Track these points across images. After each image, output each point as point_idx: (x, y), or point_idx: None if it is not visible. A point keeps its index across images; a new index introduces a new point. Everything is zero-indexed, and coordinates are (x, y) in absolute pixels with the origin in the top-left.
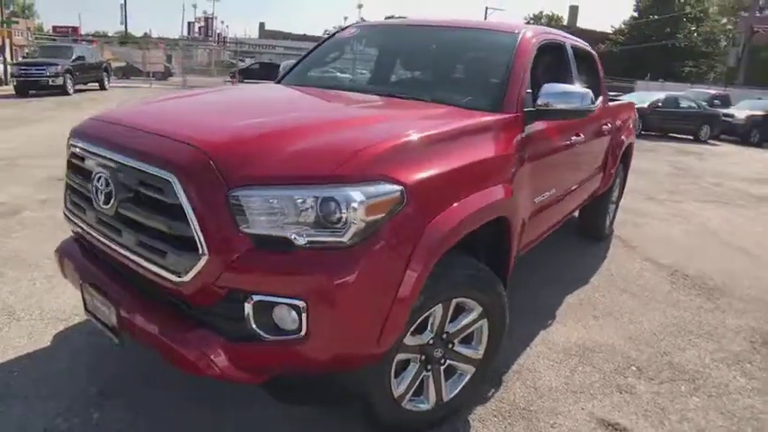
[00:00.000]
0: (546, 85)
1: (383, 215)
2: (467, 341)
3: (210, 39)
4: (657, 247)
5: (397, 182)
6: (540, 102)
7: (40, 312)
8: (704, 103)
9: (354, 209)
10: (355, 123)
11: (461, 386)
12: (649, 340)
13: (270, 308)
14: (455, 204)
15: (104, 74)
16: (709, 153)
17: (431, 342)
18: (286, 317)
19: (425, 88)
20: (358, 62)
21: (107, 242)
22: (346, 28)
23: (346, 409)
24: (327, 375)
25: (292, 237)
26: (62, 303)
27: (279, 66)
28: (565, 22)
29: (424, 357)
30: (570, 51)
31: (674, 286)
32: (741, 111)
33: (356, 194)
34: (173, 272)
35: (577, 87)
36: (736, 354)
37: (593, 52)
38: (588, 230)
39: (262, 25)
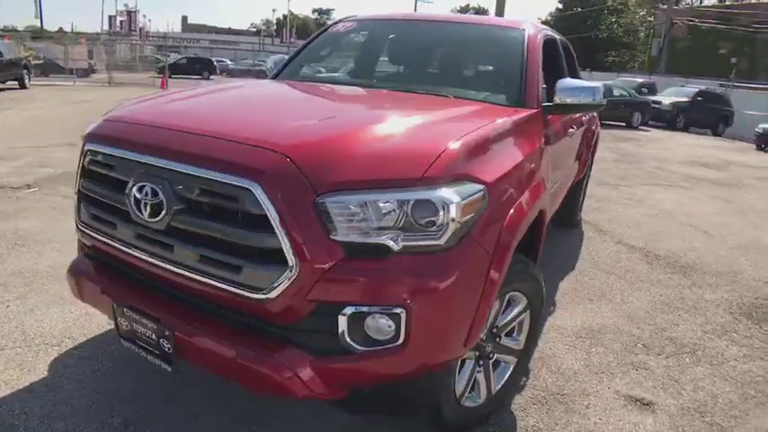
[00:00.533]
0: (560, 81)
1: (473, 215)
2: (510, 333)
3: (134, 33)
4: (625, 230)
5: (480, 181)
6: (557, 97)
7: (24, 338)
8: (633, 92)
9: (451, 211)
10: (416, 123)
11: (506, 377)
12: (645, 318)
13: (363, 318)
14: (520, 201)
15: (24, 71)
16: (644, 139)
17: (483, 338)
18: (381, 326)
19: (446, 85)
20: (364, 57)
21: (152, 260)
22: (339, 22)
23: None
24: (405, 382)
25: (388, 242)
26: (47, 326)
27: (208, 60)
28: (492, 13)
29: (477, 353)
30: (560, 45)
31: (651, 266)
32: (667, 98)
33: (453, 196)
34: (252, 288)
35: (590, 82)
36: (721, 325)
37: (569, 44)
38: (564, 217)
39: (184, 19)
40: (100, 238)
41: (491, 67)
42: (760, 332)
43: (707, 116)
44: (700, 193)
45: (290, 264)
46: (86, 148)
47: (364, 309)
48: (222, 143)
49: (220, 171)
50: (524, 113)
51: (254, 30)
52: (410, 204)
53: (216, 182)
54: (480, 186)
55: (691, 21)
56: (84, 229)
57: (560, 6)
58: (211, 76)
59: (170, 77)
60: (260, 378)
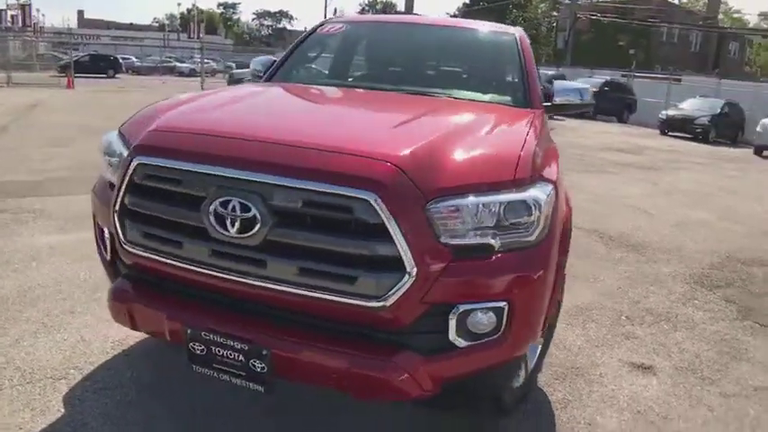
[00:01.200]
0: (557, 82)
1: (551, 212)
2: None
3: (28, 29)
4: (574, 215)
5: (549, 180)
6: (556, 98)
7: (22, 375)
8: (546, 83)
9: (542, 209)
10: (481, 128)
11: (536, 356)
12: (619, 294)
13: (467, 315)
14: (562, 195)
15: None
16: (560, 127)
17: None
18: (482, 320)
19: (457, 87)
20: (366, 60)
21: (233, 277)
22: (324, 24)
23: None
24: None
25: (491, 242)
26: (43, 358)
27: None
28: (401, 8)
29: None
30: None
31: (608, 247)
32: None
33: (541, 195)
34: (367, 297)
35: (579, 83)
36: (683, 294)
37: None
38: None
39: (81, 13)
40: (156, 258)
41: (494, 70)
42: (715, 297)
43: (613, 104)
44: (628, 177)
45: (408, 270)
46: (136, 161)
47: (472, 306)
48: (328, 155)
49: (333, 183)
50: (537, 113)
51: (158, 25)
52: (506, 205)
53: (327, 194)
54: (551, 185)
55: (593, 15)
56: (133, 250)
57: (467, 1)
58: (117, 75)
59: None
60: (375, 383)
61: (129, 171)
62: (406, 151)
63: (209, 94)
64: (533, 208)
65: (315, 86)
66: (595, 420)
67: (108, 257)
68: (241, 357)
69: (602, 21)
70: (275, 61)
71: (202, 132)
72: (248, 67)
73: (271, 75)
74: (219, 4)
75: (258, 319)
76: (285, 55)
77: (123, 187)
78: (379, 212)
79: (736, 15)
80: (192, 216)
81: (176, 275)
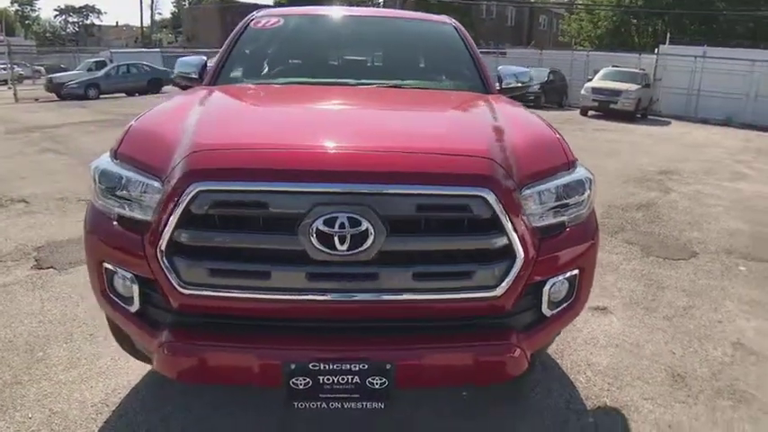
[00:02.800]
0: (501, 67)
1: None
2: None
3: None
4: None
5: (576, 160)
6: (505, 82)
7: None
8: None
9: (591, 185)
10: (509, 117)
11: None
12: None
13: (551, 287)
14: None
15: None
16: None
17: None
18: (561, 290)
19: (422, 78)
20: (320, 54)
21: (335, 297)
22: (256, 18)
23: None
24: None
25: (564, 219)
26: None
27: None
28: None
29: None
30: None
31: None
32: None
33: (588, 173)
34: (484, 288)
35: (522, 67)
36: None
37: None
38: None
39: None
40: (230, 295)
41: (449, 59)
42: (618, 242)
43: (556, 92)
44: None
45: (519, 256)
46: (195, 189)
47: (557, 278)
48: (434, 158)
49: (448, 185)
50: (501, 97)
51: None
52: (567, 185)
53: (442, 195)
54: (579, 164)
55: None
56: (195, 292)
57: None
58: None
59: None
60: (496, 368)
61: (184, 201)
62: (493, 146)
63: (196, 104)
64: (586, 185)
65: (295, 86)
66: (591, 360)
67: (136, 307)
68: (356, 379)
69: (428, 0)
70: (206, 62)
71: (277, 148)
72: (66, 70)
73: (215, 76)
74: (13, 2)
75: (367, 336)
76: (224, 55)
77: (175, 221)
78: (493, 206)
79: None
80: (285, 240)
81: (254, 309)
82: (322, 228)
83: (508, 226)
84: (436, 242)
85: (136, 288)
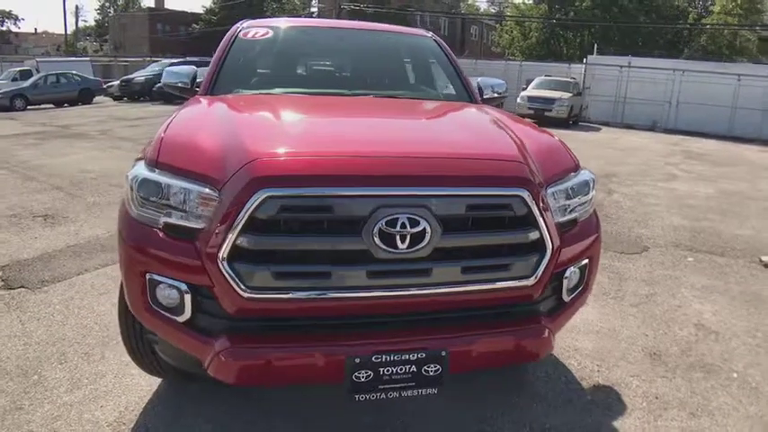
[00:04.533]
0: (480, 79)
1: None
2: None
3: None
4: None
5: None
6: (486, 93)
7: None
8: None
9: (594, 185)
10: (511, 124)
11: None
12: None
13: (569, 275)
14: None
15: None
16: None
17: None
18: (575, 277)
19: (415, 87)
20: (307, 64)
21: (389, 293)
22: (244, 29)
23: None
24: None
25: (576, 215)
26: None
27: None
28: (152, 4)
29: None
30: None
31: None
32: None
33: (591, 174)
34: (522, 278)
35: (497, 79)
36: None
37: None
38: None
39: None
40: (294, 296)
41: (434, 71)
42: None
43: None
44: None
45: (548, 248)
46: (263, 195)
47: (574, 267)
48: (481, 163)
49: (493, 186)
50: (485, 106)
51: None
52: (577, 185)
53: (488, 196)
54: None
55: (356, 5)
56: (260, 295)
57: None
58: None
59: None
60: (532, 349)
61: (251, 207)
62: (521, 152)
63: (219, 113)
64: (591, 185)
65: (305, 96)
66: (578, 346)
67: (187, 316)
68: (413, 368)
69: (365, 11)
70: (197, 72)
71: (337, 155)
72: None
73: (211, 86)
74: None
75: (422, 327)
76: (217, 65)
77: (239, 227)
78: (529, 204)
79: (470, 2)
80: (350, 241)
81: (317, 309)
82: (385, 228)
83: (540, 221)
84: (482, 238)
85: (188, 297)
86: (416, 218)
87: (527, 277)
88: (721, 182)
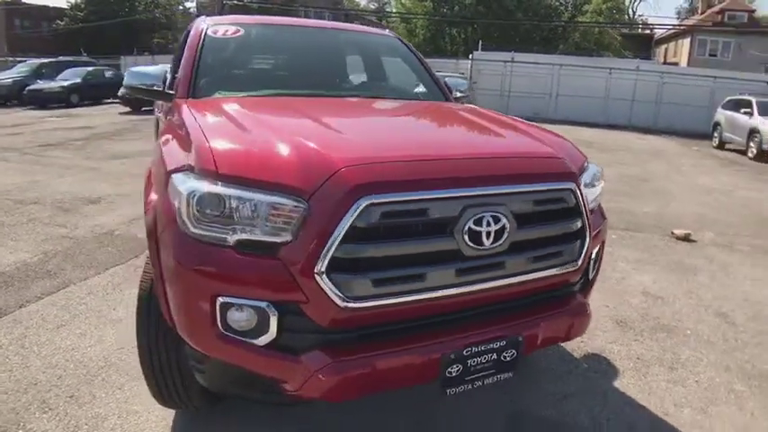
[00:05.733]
0: (447, 78)
1: None
2: None
3: None
4: None
5: None
6: (455, 91)
7: None
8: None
9: (602, 177)
10: (515, 123)
11: None
12: None
13: (594, 256)
14: None
15: None
16: None
17: None
18: (595, 257)
19: (399, 87)
20: (285, 65)
21: (470, 288)
22: (212, 26)
23: None
24: None
25: (594, 205)
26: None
27: None
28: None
29: None
30: None
31: None
32: None
33: (600, 167)
34: (569, 263)
35: (459, 78)
36: None
37: None
38: None
39: None
40: (391, 301)
41: (409, 70)
42: None
43: None
44: None
45: (588, 234)
46: (365, 202)
47: (596, 248)
48: (541, 161)
49: (552, 181)
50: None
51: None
52: (594, 176)
53: (549, 191)
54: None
55: (240, 1)
56: (360, 305)
57: None
58: None
59: None
60: (582, 325)
61: (352, 216)
62: (560, 149)
63: (252, 118)
64: (599, 175)
65: (305, 98)
66: None
67: (270, 337)
68: (494, 356)
69: (251, 6)
70: (166, 72)
71: (424, 159)
72: None
73: (191, 88)
74: None
75: (500, 316)
76: (191, 65)
77: (340, 237)
78: (577, 196)
79: None
80: (443, 241)
81: (411, 311)
82: (473, 227)
83: (582, 210)
84: (544, 229)
85: (273, 316)
86: (498, 215)
87: (575, 261)
88: (617, 167)
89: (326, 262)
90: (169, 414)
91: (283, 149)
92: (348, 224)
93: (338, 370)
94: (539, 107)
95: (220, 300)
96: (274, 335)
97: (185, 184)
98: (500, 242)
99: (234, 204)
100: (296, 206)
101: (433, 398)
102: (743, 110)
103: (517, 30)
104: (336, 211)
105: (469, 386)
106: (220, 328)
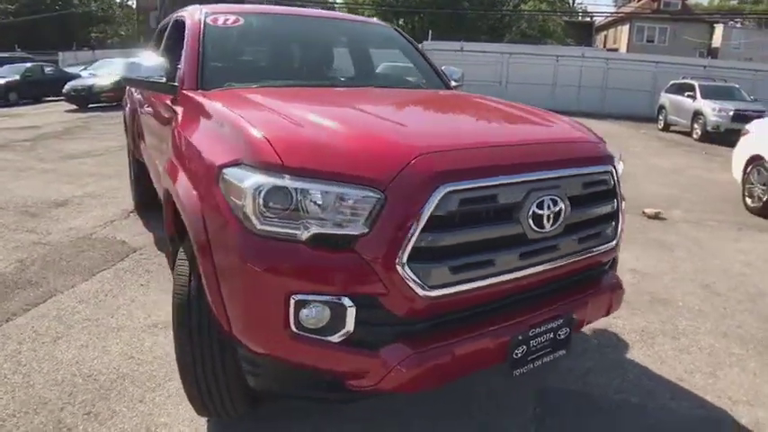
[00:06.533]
0: (444, 67)
1: None
2: None
3: None
4: None
5: None
6: (452, 80)
7: None
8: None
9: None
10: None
11: None
12: None
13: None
14: None
15: None
16: None
17: None
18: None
19: (406, 77)
20: (291, 55)
21: (530, 270)
22: (211, 14)
23: None
24: None
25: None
26: None
27: None
28: None
29: None
30: None
31: None
32: None
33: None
34: (608, 241)
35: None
36: None
37: None
38: None
39: None
40: (466, 288)
41: (411, 60)
42: None
43: None
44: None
45: (620, 214)
46: (444, 191)
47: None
48: (586, 145)
49: (597, 165)
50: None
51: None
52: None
53: (594, 173)
54: None
55: None
56: (438, 293)
57: None
58: None
59: None
60: (618, 301)
61: (432, 204)
62: (593, 134)
63: (298, 110)
64: (620, 158)
65: (329, 89)
66: None
67: (345, 333)
68: (551, 335)
69: None
70: (166, 62)
71: (492, 146)
72: None
73: (198, 80)
74: None
75: (555, 296)
76: (194, 56)
77: (420, 226)
78: (614, 178)
79: None
80: (510, 226)
81: (482, 296)
82: (536, 210)
83: (618, 191)
84: (591, 211)
85: (350, 311)
86: (556, 198)
87: (612, 240)
88: None
89: (408, 252)
90: (200, 423)
91: (349, 140)
92: (428, 212)
93: (420, 361)
94: (490, 95)
95: (295, 298)
96: (351, 330)
97: (249, 179)
98: (557, 225)
99: (304, 198)
100: (372, 197)
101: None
102: (686, 93)
103: (464, 19)
104: (416, 200)
105: (531, 366)
106: (293, 327)
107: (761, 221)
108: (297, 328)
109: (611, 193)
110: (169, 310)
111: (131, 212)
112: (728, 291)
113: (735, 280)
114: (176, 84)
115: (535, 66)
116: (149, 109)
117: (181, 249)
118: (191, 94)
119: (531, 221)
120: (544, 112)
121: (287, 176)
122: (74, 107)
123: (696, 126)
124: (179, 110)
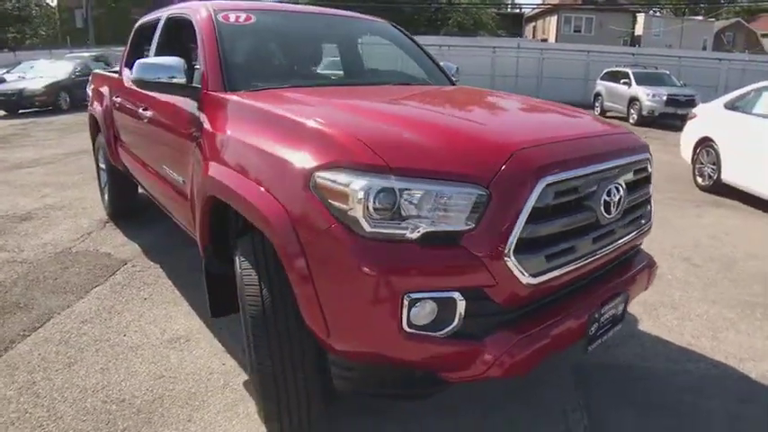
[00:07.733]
0: (443, 63)
1: None
2: None
3: None
4: None
5: None
6: (452, 76)
7: None
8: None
9: None
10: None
11: None
12: None
13: None
14: None
15: None
16: None
17: None
18: None
19: (415, 74)
20: (311, 54)
21: (601, 255)
22: (222, 11)
23: None
24: None
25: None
26: None
27: None
28: None
29: None
30: None
31: None
32: None
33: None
34: (645, 223)
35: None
36: None
37: None
38: None
39: None
40: (555, 274)
41: (415, 57)
42: None
43: None
44: None
45: (652, 198)
46: (543, 183)
47: None
48: (625, 136)
49: (640, 153)
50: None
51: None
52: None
53: (640, 161)
54: None
55: None
56: (535, 281)
57: None
58: None
59: None
60: (653, 279)
61: (534, 197)
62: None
63: (366, 108)
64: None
65: (367, 87)
66: None
67: (454, 327)
68: (613, 311)
69: None
70: (184, 62)
71: (556, 141)
72: None
73: (222, 80)
74: None
75: (615, 276)
76: (214, 56)
77: (524, 219)
78: (650, 165)
79: None
80: (589, 213)
81: (563, 282)
82: (606, 198)
83: (651, 178)
84: (638, 194)
85: (460, 304)
86: (618, 185)
87: (649, 221)
88: None
89: (514, 244)
90: None
91: (442, 138)
92: (531, 204)
93: (525, 346)
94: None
95: (408, 297)
96: (460, 323)
97: (356, 182)
98: (620, 209)
99: (409, 198)
100: (476, 193)
101: None
102: (622, 80)
103: (401, 13)
104: (520, 194)
105: (600, 341)
106: (405, 326)
107: (715, 198)
108: (409, 327)
109: (648, 179)
110: (185, 323)
111: (107, 223)
112: (706, 263)
113: (707, 252)
114: (197, 86)
115: (473, 57)
116: (149, 112)
117: (242, 258)
118: (223, 95)
119: (603, 208)
120: (569, 107)
121: (392, 177)
122: (2, 113)
123: (632, 111)
124: (207, 112)
